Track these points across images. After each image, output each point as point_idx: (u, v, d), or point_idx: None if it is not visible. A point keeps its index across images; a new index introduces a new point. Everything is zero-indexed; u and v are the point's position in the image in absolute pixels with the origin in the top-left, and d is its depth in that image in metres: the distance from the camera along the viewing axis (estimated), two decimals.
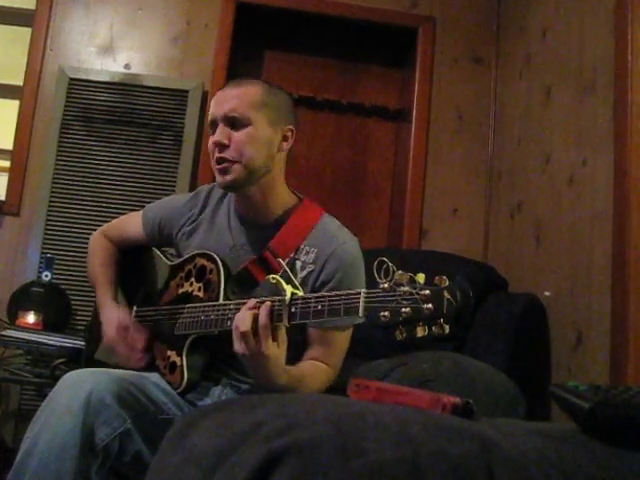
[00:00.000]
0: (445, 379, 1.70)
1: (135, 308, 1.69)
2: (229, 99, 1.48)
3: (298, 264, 1.49)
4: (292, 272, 1.44)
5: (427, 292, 1.04)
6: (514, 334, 2.23)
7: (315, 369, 1.45)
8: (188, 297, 1.52)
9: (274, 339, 1.24)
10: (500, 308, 2.37)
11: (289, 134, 1.54)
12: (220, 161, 1.47)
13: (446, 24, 3.26)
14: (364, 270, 1.51)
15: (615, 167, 2.07)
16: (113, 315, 1.62)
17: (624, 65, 2.07)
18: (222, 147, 1.46)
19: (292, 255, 1.49)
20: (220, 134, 1.47)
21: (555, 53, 2.61)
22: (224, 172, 1.47)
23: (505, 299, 2.45)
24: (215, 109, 1.50)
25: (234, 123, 1.47)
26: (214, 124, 1.50)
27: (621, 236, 2.00)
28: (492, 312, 2.39)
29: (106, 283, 1.71)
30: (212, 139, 1.49)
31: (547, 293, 2.40)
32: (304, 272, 1.48)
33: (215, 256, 1.49)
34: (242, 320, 1.24)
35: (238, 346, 1.24)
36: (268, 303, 1.24)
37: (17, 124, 2.99)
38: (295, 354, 1.42)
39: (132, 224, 1.75)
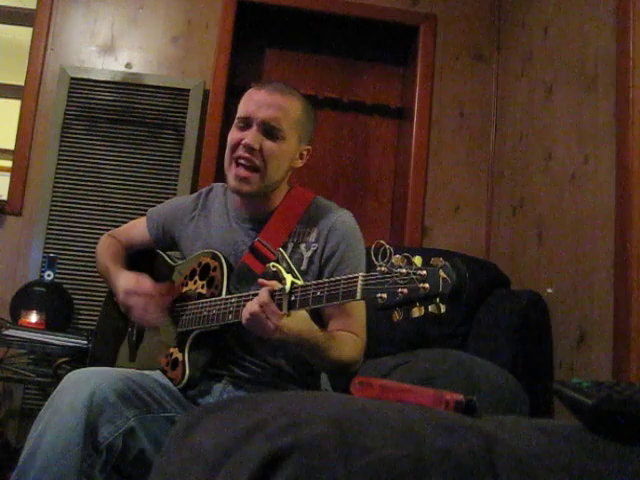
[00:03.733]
0: (448, 377, 1.70)
1: None
2: (272, 106, 1.47)
3: (302, 246, 1.52)
4: (299, 255, 1.49)
5: (423, 272, 1.05)
6: (517, 332, 2.22)
7: (342, 334, 1.46)
8: (192, 295, 1.53)
9: (276, 327, 1.26)
10: (503, 306, 2.36)
11: (305, 153, 1.57)
12: (245, 162, 1.47)
13: (447, 21, 3.25)
14: (363, 239, 1.57)
15: (617, 163, 2.06)
16: (132, 277, 1.56)
17: (626, 61, 2.07)
18: (251, 150, 1.47)
19: (287, 240, 1.51)
20: (253, 138, 1.46)
21: (557, 50, 2.61)
22: (244, 180, 1.48)
23: (508, 297, 2.45)
24: (254, 109, 1.48)
25: (270, 132, 1.47)
26: (247, 122, 1.49)
27: (623, 232, 1.99)
28: (495, 310, 2.38)
29: (120, 266, 1.67)
30: (240, 135, 1.49)
31: (549, 290, 2.40)
32: (309, 252, 1.51)
33: (218, 253, 1.51)
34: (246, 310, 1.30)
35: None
36: (266, 291, 1.28)
37: (19, 124, 2.99)
38: None
39: (138, 228, 1.77)
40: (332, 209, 1.57)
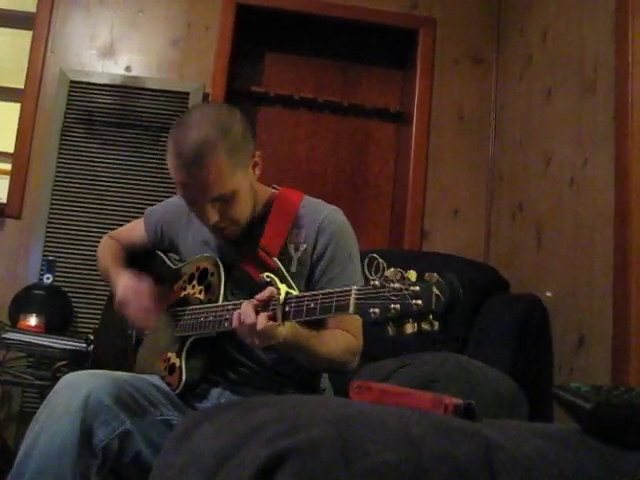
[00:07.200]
0: (447, 380, 1.70)
1: None
2: (205, 185, 1.38)
3: (291, 247, 1.51)
4: (288, 256, 1.49)
5: (416, 288, 1.04)
6: (516, 335, 2.22)
7: (332, 331, 1.45)
8: (190, 300, 1.53)
9: (269, 336, 1.25)
10: (502, 309, 2.36)
11: (257, 159, 1.49)
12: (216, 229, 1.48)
13: (446, 25, 3.26)
14: (354, 235, 1.55)
15: (616, 167, 2.06)
16: (131, 279, 1.58)
17: (624, 65, 2.07)
18: (218, 223, 1.45)
19: (285, 244, 1.51)
20: (212, 215, 1.42)
21: (556, 54, 2.61)
22: (224, 237, 1.51)
23: (507, 300, 2.45)
24: (191, 197, 1.43)
25: (220, 200, 1.42)
26: (191, 204, 1.46)
27: (622, 236, 1.99)
28: (494, 313, 2.38)
29: (121, 266, 1.69)
30: (192, 209, 1.47)
31: (548, 294, 2.40)
32: (299, 253, 1.50)
33: (216, 259, 1.51)
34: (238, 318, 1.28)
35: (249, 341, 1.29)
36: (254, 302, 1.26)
37: (18, 127, 2.99)
38: None
39: (137, 229, 1.77)
40: (320, 208, 1.55)
